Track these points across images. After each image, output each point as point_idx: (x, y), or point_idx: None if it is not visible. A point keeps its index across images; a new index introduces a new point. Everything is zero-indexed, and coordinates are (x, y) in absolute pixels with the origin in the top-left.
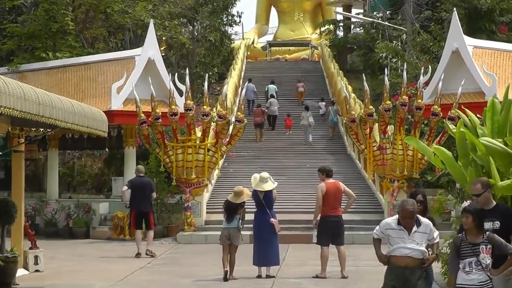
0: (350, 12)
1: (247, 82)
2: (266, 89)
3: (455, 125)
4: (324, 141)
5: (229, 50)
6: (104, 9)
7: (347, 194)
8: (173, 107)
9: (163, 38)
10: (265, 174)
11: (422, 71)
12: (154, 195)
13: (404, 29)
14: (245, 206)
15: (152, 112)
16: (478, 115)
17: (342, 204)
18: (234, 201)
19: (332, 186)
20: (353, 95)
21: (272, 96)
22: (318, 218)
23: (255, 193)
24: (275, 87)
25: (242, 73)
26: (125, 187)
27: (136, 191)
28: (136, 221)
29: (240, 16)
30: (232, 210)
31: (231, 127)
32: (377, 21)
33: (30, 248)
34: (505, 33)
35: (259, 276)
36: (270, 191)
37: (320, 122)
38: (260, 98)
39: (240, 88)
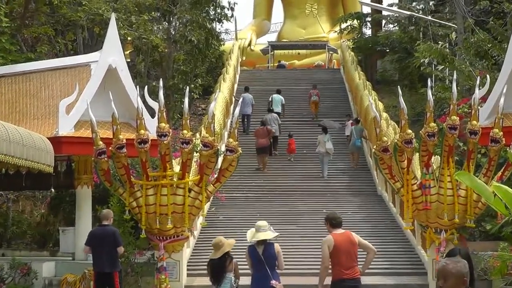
0: (380, 2)
1: (243, 92)
2: (270, 99)
3: None
4: (346, 176)
5: (218, 54)
6: (49, 0)
7: (364, 247)
8: (142, 132)
9: (129, 38)
10: (262, 223)
11: (478, 82)
12: (121, 249)
13: (453, 25)
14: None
15: (114, 139)
16: None
17: (359, 261)
18: (215, 257)
19: (343, 239)
20: (385, 114)
21: (273, 111)
22: (326, 283)
23: (253, 250)
24: (281, 98)
25: (235, 86)
26: (86, 247)
27: (97, 246)
28: (97, 285)
29: (232, 9)
30: (218, 270)
31: (220, 159)
32: (417, 15)
33: None
34: None
35: None
36: (272, 246)
37: (342, 148)
38: (261, 111)
39: (232, 106)
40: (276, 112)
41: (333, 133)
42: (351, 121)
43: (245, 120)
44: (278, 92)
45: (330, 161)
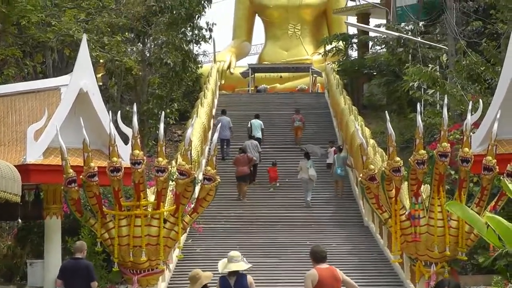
0: (367, 23)
1: (220, 115)
2: (249, 125)
3: None
4: (331, 205)
5: (195, 77)
6: (17, 20)
7: (347, 284)
8: (115, 159)
9: (101, 60)
10: (235, 253)
11: (470, 107)
12: (95, 284)
13: (444, 47)
14: None
15: (85, 166)
16: None
17: None
18: None
19: (327, 274)
20: (372, 141)
21: (253, 137)
22: None
23: (224, 281)
24: (260, 122)
25: (214, 110)
26: (58, 280)
27: (69, 279)
28: None
29: (210, 30)
30: None
31: (197, 188)
32: (406, 36)
33: None
34: None
35: None
36: (244, 277)
37: (326, 175)
38: (241, 138)
39: (210, 132)
40: (256, 138)
41: (316, 160)
42: (334, 148)
43: (224, 145)
44: (257, 116)
45: (314, 189)
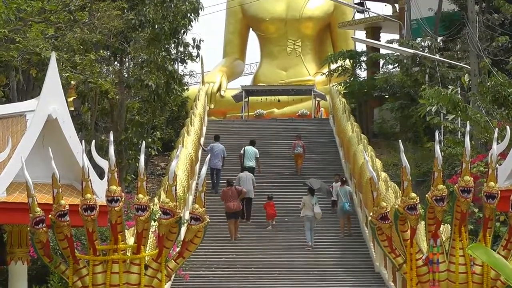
0: (378, 38)
1: (212, 142)
2: (242, 152)
3: None
4: (337, 248)
5: (181, 101)
6: None
7: None
8: (89, 196)
9: (73, 82)
10: None
11: (496, 134)
12: None
13: (466, 66)
14: None
15: (55, 204)
16: None
17: None
18: None
19: None
20: (383, 174)
21: (247, 168)
22: None
23: None
24: (255, 150)
25: (202, 139)
26: None
27: None
28: None
29: (198, 47)
30: None
31: (183, 229)
32: (422, 53)
33: None
34: None
35: None
36: None
37: (330, 214)
38: (232, 170)
39: (198, 164)
40: (249, 167)
41: (319, 195)
42: (339, 183)
43: (214, 175)
44: (252, 143)
45: (317, 229)
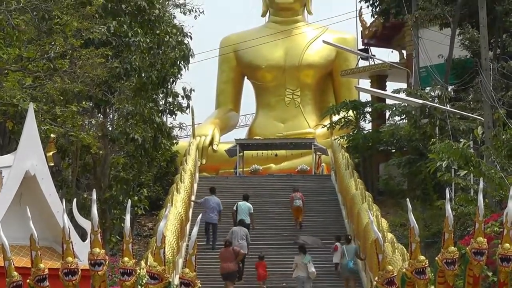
0: (384, 88)
1: (208, 194)
2: (234, 208)
3: None
4: None
5: (170, 156)
6: None
7: None
8: (70, 259)
9: (52, 135)
10: None
11: None
12: None
13: (479, 118)
14: None
15: (33, 268)
16: None
17: None
18: None
19: None
20: (390, 235)
21: (241, 222)
22: None
23: None
24: (249, 205)
25: (193, 197)
26: None
27: None
28: None
29: (188, 97)
30: None
31: None
32: (432, 104)
33: None
34: None
35: None
36: None
37: (332, 275)
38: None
39: (189, 224)
40: (243, 222)
41: (313, 251)
42: (339, 244)
43: (210, 230)
44: (245, 198)
45: None
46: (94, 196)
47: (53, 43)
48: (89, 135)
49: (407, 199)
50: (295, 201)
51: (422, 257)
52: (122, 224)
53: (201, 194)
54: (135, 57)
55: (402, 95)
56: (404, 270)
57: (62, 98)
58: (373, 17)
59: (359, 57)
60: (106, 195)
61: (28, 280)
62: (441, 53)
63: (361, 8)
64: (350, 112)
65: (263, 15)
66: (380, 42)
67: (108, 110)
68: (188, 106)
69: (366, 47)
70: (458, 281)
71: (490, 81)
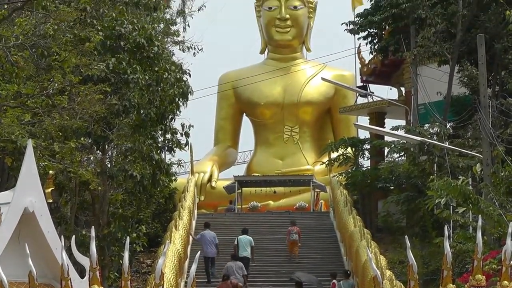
0: (382, 125)
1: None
2: (235, 242)
3: None
4: None
5: (168, 193)
6: None
7: None
8: None
9: (51, 172)
10: None
11: (510, 229)
12: None
13: (478, 155)
14: None
15: None
16: None
17: None
18: None
19: None
20: (389, 273)
21: (241, 258)
22: None
23: None
24: (250, 239)
25: (192, 234)
26: None
27: None
28: None
29: (187, 134)
30: None
31: None
32: (430, 141)
33: None
34: None
35: None
36: None
37: None
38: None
39: (187, 261)
40: (243, 258)
41: None
42: (334, 281)
43: (209, 264)
44: (245, 232)
45: None
46: (93, 233)
47: (51, 79)
48: (88, 171)
49: (406, 236)
50: (292, 235)
51: None
52: (121, 261)
53: (200, 231)
54: (134, 94)
55: (401, 132)
56: None
57: (60, 134)
58: (372, 54)
59: (357, 94)
60: (105, 232)
61: None
62: (440, 90)
63: (359, 45)
64: (349, 149)
65: (262, 52)
66: (378, 79)
67: (106, 147)
68: (186, 143)
69: (364, 84)
70: None
71: (488, 119)
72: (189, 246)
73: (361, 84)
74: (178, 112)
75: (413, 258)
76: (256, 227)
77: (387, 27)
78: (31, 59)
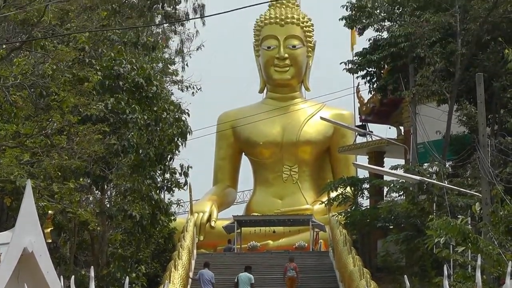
0: (381, 164)
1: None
2: (236, 280)
3: None
4: None
5: (167, 233)
6: None
7: None
8: None
9: (50, 212)
10: None
11: (510, 268)
12: None
13: (477, 194)
14: None
15: None
16: None
17: None
18: None
19: None
20: None
21: None
22: None
23: None
24: (250, 276)
25: (191, 274)
26: None
27: None
28: None
29: (186, 174)
30: None
31: None
32: (429, 180)
33: None
34: None
35: None
36: None
37: None
38: None
39: None
40: None
41: None
42: None
43: None
44: (247, 269)
45: None
46: (92, 273)
47: (50, 119)
48: (87, 211)
49: (405, 275)
50: (289, 271)
51: None
52: None
53: (199, 271)
54: (132, 133)
55: (400, 172)
56: None
57: (59, 174)
58: (371, 93)
59: (356, 133)
60: (104, 272)
61: None
62: (439, 129)
63: (358, 84)
64: (348, 189)
65: (261, 91)
66: (377, 118)
67: (105, 187)
68: (185, 183)
69: (363, 123)
70: None
71: (487, 157)
72: (188, 286)
73: (360, 123)
74: (177, 152)
75: None
76: (255, 267)
77: (386, 66)
78: (29, 99)
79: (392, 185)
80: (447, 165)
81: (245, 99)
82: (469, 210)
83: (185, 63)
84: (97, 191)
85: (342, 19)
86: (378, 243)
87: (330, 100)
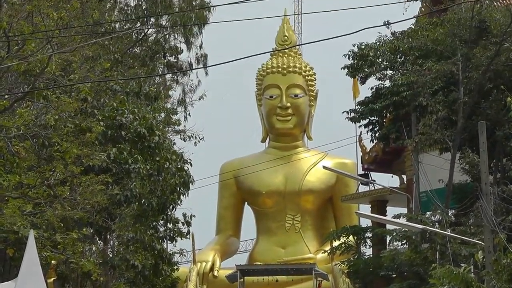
0: (384, 213)
1: None
2: None
3: None
4: None
5: (170, 282)
6: None
7: None
8: None
9: (53, 262)
10: None
11: None
12: None
13: (480, 242)
14: None
15: None
16: None
17: None
18: None
19: None
20: None
21: None
22: None
23: None
24: None
25: None
26: None
27: None
28: None
29: (188, 223)
30: None
31: None
32: (432, 229)
33: None
34: None
35: None
36: None
37: None
38: None
39: None
40: None
41: None
42: None
43: None
44: None
45: None
46: None
47: (53, 170)
48: (90, 262)
49: None
50: None
51: None
52: None
53: None
54: (135, 184)
55: (403, 220)
56: None
57: (62, 225)
58: (373, 142)
59: (359, 182)
60: None
61: None
62: (441, 177)
63: (360, 133)
64: (351, 238)
65: (263, 140)
66: (380, 167)
67: (108, 237)
68: (188, 232)
69: (366, 172)
70: None
71: (490, 206)
72: None
73: (363, 172)
74: (179, 201)
75: None
76: None
77: (388, 114)
78: (32, 150)
79: (394, 234)
80: (449, 214)
81: (248, 149)
82: (472, 259)
83: (187, 113)
84: (100, 241)
85: (344, 68)
86: None
87: (332, 149)
